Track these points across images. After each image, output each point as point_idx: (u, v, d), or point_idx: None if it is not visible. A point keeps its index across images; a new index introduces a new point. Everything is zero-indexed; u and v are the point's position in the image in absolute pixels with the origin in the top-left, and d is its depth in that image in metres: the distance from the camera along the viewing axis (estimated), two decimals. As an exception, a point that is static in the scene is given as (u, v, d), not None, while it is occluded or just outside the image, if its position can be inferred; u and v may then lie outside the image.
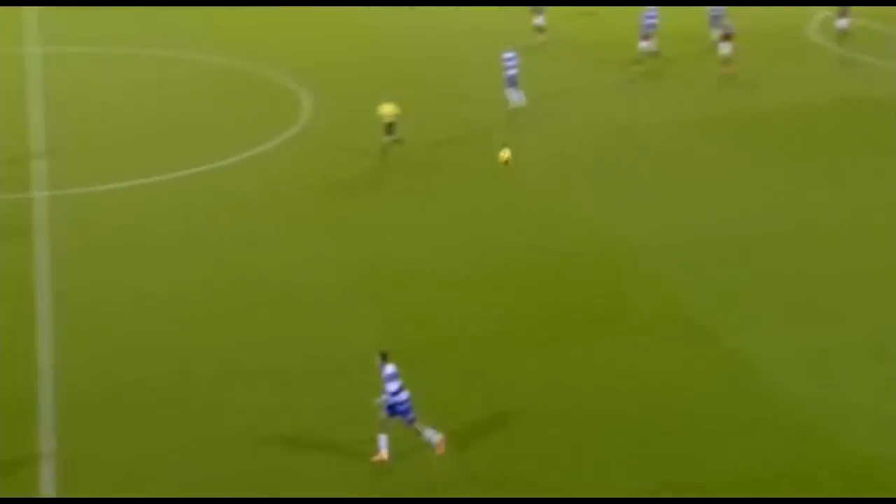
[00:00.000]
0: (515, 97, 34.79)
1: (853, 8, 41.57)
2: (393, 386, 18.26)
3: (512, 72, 34.62)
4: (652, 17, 39.59)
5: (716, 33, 40.29)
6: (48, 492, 17.89)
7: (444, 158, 31.98)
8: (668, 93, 37.66)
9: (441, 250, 26.48)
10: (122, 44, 43.43)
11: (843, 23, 40.96)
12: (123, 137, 33.92)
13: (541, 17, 42.63)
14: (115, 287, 24.77)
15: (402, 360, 18.98)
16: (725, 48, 38.50)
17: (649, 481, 17.90)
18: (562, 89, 37.47)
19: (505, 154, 18.95)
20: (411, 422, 18.48)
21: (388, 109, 31.58)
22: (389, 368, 18.35)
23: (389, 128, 31.56)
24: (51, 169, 31.19)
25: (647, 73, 39.28)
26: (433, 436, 18.53)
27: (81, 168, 31.39)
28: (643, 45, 39.62)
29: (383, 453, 18.29)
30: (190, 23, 46.34)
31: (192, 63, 41.59)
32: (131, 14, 47.47)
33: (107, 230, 27.81)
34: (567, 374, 21.12)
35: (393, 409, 18.34)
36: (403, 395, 18.36)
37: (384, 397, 18.28)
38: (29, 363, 21.53)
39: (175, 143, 33.56)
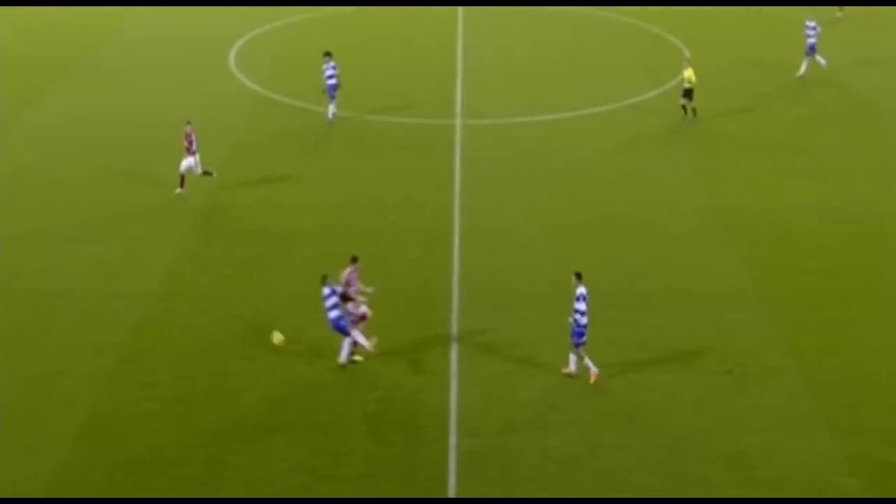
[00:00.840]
0: (804, 67, 34.86)
1: None
2: (581, 306, 18.89)
3: (811, 40, 34.32)
4: None
5: None
6: (454, 364, 20.37)
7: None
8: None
9: (800, 205, 26.61)
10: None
11: None
12: (529, 81, 36.21)
13: None
14: (511, 206, 27.06)
15: (765, 305, 19.32)
16: None
17: None
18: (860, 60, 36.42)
19: (276, 338, 20.45)
20: (579, 346, 19.19)
21: (687, 74, 31.36)
22: (582, 289, 18.95)
23: (687, 92, 31.15)
24: (469, 103, 34.02)
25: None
26: (591, 365, 19.33)
27: (493, 103, 34.02)
28: None
29: (593, 371, 19.37)
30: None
31: (593, 18, 42.98)
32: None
33: (509, 156, 30.19)
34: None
35: (574, 329, 19.01)
36: (585, 319, 18.93)
37: (575, 316, 19.00)
38: (445, 262, 24.18)
39: (573, 86, 35.51)
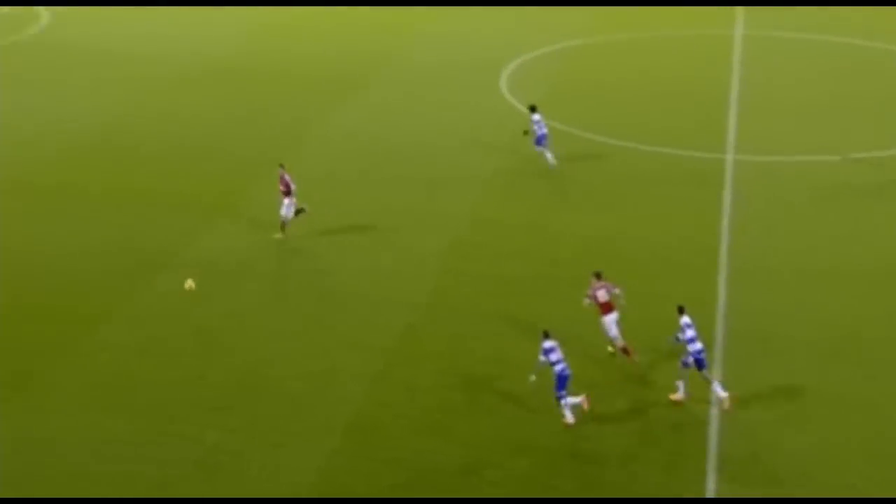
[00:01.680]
0: None
1: None
2: (688, 334, 19.39)
3: None
4: None
5: None
6: (715, 407, 19.68)
7: None
8: None
9: None
10: (819, 31, 43.44)
11: None
12: (812, 117, 34.66)
13: None
14: (784, 248, 25.98)
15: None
16: None
17: None
18: None
19: (188, 283, 22.87)
20: (701, 370, 19.43)
21: None
22: (685, 319, 19.60)
23: None
24: (742, 137, 32.95)
25: None
26: (720, 391, 19.27)
27: (770, 139, 32.76)
28: None
29: (680, 395, 19.64)
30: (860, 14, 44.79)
31: (887, 53, 40.52)
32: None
33: (784, 196, 28.92)
34: None
35: (688, 358, 19.34)
36: (697, 346, 19.38)
37: (676, 340, 19.57)
38: (710, 300, 23.48)
39: (859, 126, 33.61)
